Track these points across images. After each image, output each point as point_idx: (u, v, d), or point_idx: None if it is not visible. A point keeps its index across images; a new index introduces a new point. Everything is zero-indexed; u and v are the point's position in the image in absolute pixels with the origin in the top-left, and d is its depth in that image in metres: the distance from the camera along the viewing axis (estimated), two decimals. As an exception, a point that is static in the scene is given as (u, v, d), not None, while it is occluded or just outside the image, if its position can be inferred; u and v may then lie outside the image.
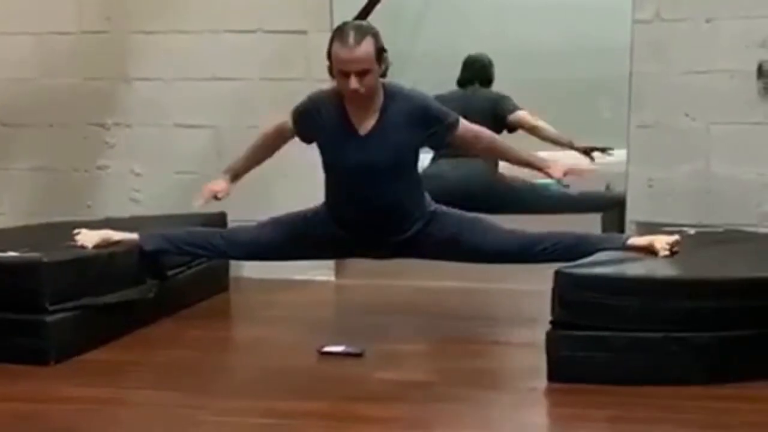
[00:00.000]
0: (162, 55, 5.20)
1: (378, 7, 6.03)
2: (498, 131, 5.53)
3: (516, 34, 7.65)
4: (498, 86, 5.83)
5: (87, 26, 5.26)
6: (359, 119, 3.81)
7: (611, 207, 5.24)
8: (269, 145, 4.12)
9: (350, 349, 3.72)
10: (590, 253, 3.74)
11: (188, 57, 5.17)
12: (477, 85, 5.81)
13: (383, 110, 3.79)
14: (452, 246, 3.94)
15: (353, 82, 3.68)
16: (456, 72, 5.85)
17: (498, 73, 5.85)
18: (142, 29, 5.21)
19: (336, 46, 3.71)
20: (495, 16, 7.84)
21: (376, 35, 3.74)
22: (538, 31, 7.75)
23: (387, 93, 3.81)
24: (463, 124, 3.89)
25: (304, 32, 5.06)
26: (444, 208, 4.00)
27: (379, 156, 3.76)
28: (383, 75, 3.80)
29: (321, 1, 5.07)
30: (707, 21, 4.72)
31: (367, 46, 3.67)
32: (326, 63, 3.78)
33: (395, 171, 3.81)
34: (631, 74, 4.80)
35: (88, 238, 4.04)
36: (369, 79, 3.71)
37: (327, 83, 4.77)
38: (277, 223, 4.09)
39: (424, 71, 6.99)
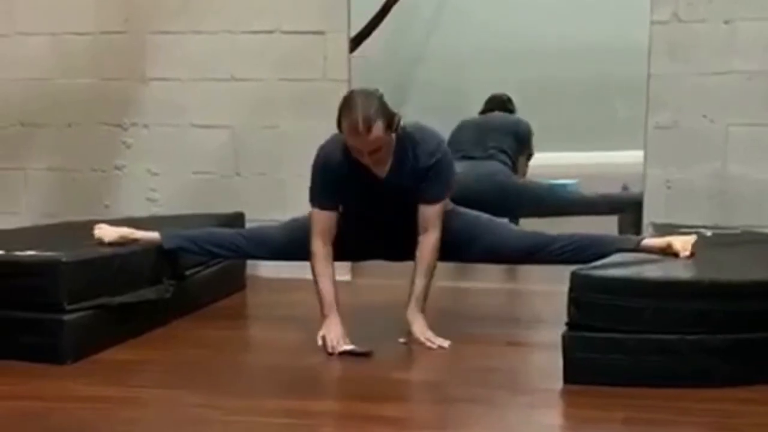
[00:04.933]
0: (179, 55, 5.22)
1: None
2: (518, 151, 5.64)
3: (532, 32, 7.63)
4: (516, 85, 5.84)
5: (105, 27, 5.28)
6: (375, 166, 3.78)
7: (628, 208, 5.23)
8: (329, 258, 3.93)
9: (358, 349, 3.72)
10: (605, 255, 3.74)
11: (206, 57, 5.19)
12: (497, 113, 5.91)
13: (397, 153, 3.76)
14: (468, 247, 3.95)
15: (366, 159, 3.69)
16: (470, 72, 5.87)
17: (515, 72, 5.87)
18: (160, 30, 5.23)
19: (345, 128, 3.64)
20: (512, 15, 7.83)
21: (384, 111, 3.63)
22: (554, 30, 7.74)
23: (401, 136, 3.76)
24: (437, 206, 3.81)
25: (321, 33, 5.07)
26: (460, 209, 4.00)
27: (399, 193, 3.78)
28: (395, 130, 3.72)
29: (338, 1, 5.07)
30: (725, 22, 4.70)
31: (377, 131, 3.61)
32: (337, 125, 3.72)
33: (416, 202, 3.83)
34: (648, 75, 4.79)
35: (106, 233, 4.06)
36: (382, 153, 3.70)
37: (343, 82, 4.82)
38: (298, 223, 4.09)
39: (438, 71, 7.01)
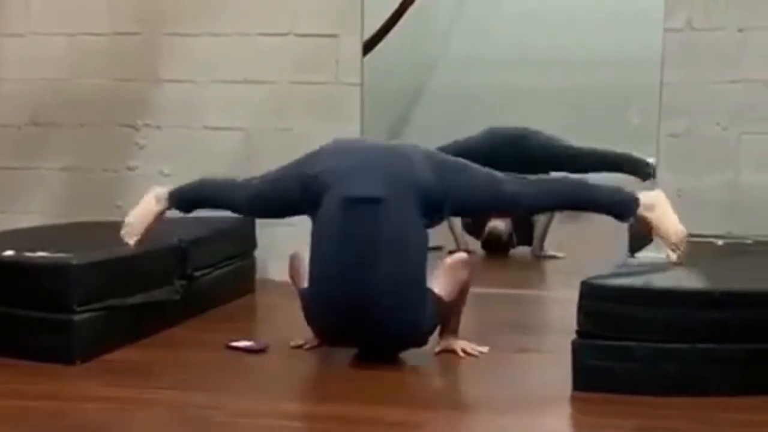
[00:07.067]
0: (193, 57, 5.23)
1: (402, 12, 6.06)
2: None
3: (546, 41, 7.63)
4: (529, 92, 5.86)
5: (119, 28, 5.30)
6: None
7: (628, 166, 5.58)
8: None
9: (254, 345, 3.83)
10: (596, 205, 3.78)
11: (219, 59, 5.20)
12: None
13: None
14: (487, 202, 3.89)
15: None
16: (484, 78, 5.89)
17: (528, 79, 5.88)
18: (174, 31, 5.25)
19: None
20: (526, 23, 7.84)
21: None
22: (568, 38, 7.74)
23: None
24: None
25: (335, 36, 5.08)
26: (473, 166, 3.82)
27: None
28: None
29: (352, 4, 5.08)
30: (740, 30, 4.69)
31: None
32: None
33: None
34: (661, 83, 4.78)
35: (133, 230, 4.04)
36: None
37: (356, 86, 4.83)
38: (285, 172, 3.97)
39: (453, 77, 7.00)
